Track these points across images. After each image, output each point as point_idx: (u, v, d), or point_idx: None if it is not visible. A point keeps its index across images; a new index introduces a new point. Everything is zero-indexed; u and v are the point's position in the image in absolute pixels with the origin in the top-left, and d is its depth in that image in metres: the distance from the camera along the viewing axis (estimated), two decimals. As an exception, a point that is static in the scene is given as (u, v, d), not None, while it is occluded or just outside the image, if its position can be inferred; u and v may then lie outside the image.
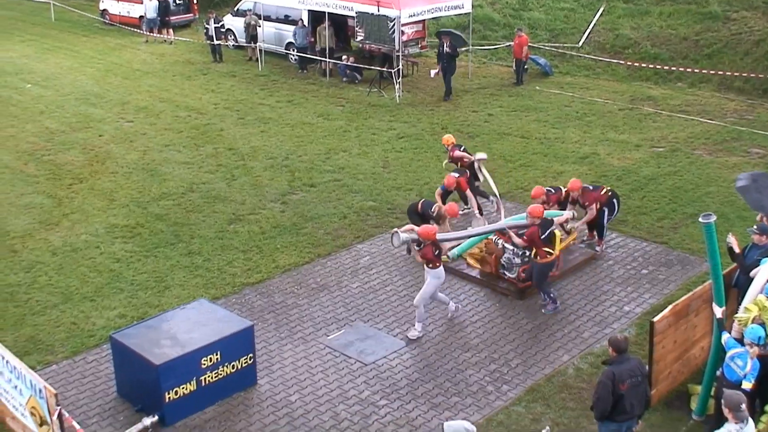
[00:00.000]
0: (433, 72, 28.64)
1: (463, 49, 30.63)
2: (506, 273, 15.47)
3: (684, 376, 12.49)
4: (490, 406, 12.22)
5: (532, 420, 11.87)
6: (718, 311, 11.25)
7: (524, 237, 14.66)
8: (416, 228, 14.38)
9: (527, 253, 15.36)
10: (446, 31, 29.27)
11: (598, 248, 16.72)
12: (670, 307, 11.93)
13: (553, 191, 16.98)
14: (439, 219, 15.85)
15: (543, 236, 14.43)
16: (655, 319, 11.63)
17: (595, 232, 16.90)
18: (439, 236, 14.17)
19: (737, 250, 12.37)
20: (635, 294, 15.28)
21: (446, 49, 27.81)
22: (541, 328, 14.25)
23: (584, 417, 11.83)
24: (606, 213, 16.38)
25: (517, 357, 13.44)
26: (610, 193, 16.51)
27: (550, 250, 14.62)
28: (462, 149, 19.05)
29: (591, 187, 16.71)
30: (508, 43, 32.13)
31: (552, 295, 14.81)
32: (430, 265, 13.87)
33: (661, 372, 11.90)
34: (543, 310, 14.76)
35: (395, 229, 14.50)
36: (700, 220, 10.76)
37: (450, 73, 28.03)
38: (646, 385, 10.39)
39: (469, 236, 15.97)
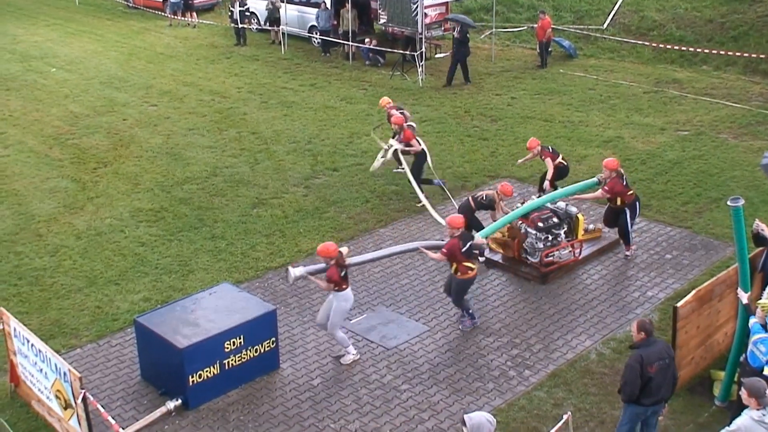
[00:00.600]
0: (439, 55, 28.35)
1: (485, 34, 30.44)
2: (529, 257, 15.41)
3: (707, 361, 12.44)
4: (511, 391, 12.22)
5: (554, 405, 11.86)
6: (744, 296, 11.18)
7: (443, 250, 13.45)
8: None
9: (550, 238, 15.32)
10: (453, 17, 28.78)
11: (627, 253, 16.03)
12: (693, 292, 11.85)
13: (550, 150, 17.51)
14: (492, 203, 15.65)
15: (464, 250, 13.26)
16: (679, 304, 11.56)
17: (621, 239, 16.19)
18: (349, 260, 13.15)
19: None
20: (659, 279, 15.20)
21: (455, 34, 27.54)
22: (563, 314, 14.21)
23: (606, 402, 11.82)
24: (628, 214, 15.70)
25: (539, 342, 13.42)
26: (633, 196, 15.88)
27: (471, 266, 13.37)
28: (400, 111, 19.52)
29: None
30: (531, 25, 31.92)
31: (470, 311, 13.85)
32: (336, 288, 12.69)
33: (684, 357, 11.84)
34: (460, 326, 13.81)
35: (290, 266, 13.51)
36: (729, 203, 10.72)
37: (460, 59, 27.45)
38: (674, 368, 10.35)
39: (380, 257, 14.48)
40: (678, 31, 30.19)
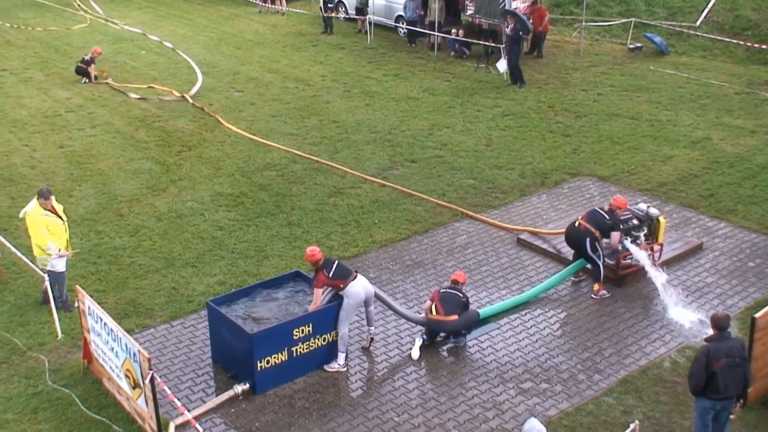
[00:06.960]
0: (501, 66, 27.09)
1: (575, 28, 29.85)
2: (606, 259, 15.08)
3: (785, 375, 12.03)
4: (580, 395, 12.00)
5: (623, 412, 11.60)
6: None
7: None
8: None
9: (629, 240, 14.94)
10: (511, 12, 27.51)
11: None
12: (774, 303, 11.49)
13: None
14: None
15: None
16: (757, 314, 11.21)
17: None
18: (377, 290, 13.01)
19: None
20: (740, 287, 14.74)
21: (507, 31, 26.61)
22: (638, 318, 13.90)
23: (677, 412, 11.52)
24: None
25: (611, 346, 13.14)
26: None
27: None
28: None
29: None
30: (623, 21, 31.28)
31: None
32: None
33: (760, 370, 11.47)
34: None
35: None
36: None
37: (514, 58, 26.27)
38: (745, 368, 10.22)
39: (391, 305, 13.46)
40: (774, 31, 29.26)
